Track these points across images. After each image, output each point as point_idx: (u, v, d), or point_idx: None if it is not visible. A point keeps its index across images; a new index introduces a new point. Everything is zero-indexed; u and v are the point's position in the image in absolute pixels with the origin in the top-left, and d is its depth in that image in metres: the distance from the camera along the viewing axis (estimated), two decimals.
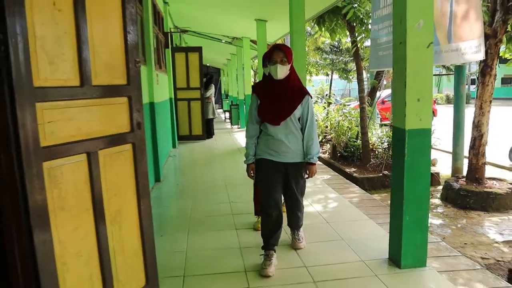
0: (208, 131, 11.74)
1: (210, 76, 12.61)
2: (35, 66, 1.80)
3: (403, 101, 3.01)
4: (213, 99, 12.16)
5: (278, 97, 3.11)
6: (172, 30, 10.67)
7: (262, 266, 3.14)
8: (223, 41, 13.40)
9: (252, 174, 3.29)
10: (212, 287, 3.00)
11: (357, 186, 6.47)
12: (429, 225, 3.29)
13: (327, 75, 21.13)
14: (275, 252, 3.26)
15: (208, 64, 26.97)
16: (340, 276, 3.09)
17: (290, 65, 3.13)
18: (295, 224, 3.55)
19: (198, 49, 11.24)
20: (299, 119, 3.15)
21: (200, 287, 3.01)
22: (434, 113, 16.16)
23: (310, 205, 4.95)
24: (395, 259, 3.25)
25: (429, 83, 3.03)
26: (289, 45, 6.09)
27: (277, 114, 3.08)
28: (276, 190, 3.20)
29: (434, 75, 5.56)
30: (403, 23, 2.95)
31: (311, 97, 3.19)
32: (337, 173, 7.57)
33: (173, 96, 10.06)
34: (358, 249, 3.55)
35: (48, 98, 1.87)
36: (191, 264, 3.35)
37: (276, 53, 3.09)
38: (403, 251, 3.14)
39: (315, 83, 25.97)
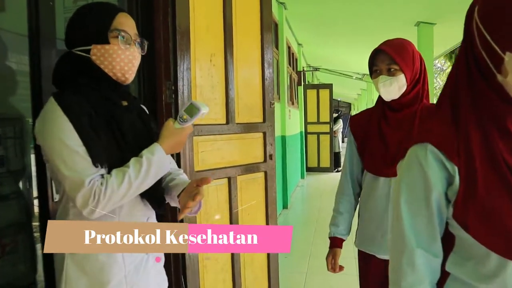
0: (336, 163, 12.00)
1: (340, 111, 12.95)
2: None
3: None
4: (339, 134, 12.41)
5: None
6: (305, 68, 11.33)
7: None
8: (354, 77, 13.69)
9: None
10: None
11: None
12: None
13: None
14: None
15: (339, 99, 27.34)
16: None
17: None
18: None
19: (329, 86, 11.74)
20: None
21: None
22: None
23: None
24: None
25: None
26: None
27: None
28: None
29: None
30: None
31: None
32: None
33: (303, 130, 10.61)
34: None
35: (202, 133, 2.38)
36: (309, 286, 3.65)
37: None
38: None
39: None
